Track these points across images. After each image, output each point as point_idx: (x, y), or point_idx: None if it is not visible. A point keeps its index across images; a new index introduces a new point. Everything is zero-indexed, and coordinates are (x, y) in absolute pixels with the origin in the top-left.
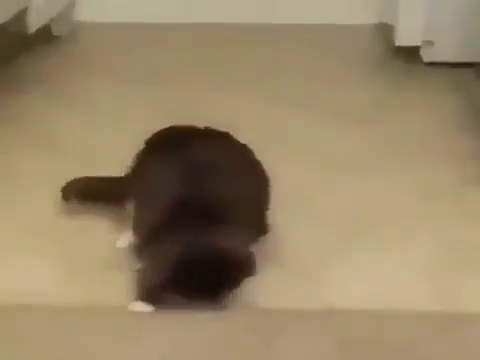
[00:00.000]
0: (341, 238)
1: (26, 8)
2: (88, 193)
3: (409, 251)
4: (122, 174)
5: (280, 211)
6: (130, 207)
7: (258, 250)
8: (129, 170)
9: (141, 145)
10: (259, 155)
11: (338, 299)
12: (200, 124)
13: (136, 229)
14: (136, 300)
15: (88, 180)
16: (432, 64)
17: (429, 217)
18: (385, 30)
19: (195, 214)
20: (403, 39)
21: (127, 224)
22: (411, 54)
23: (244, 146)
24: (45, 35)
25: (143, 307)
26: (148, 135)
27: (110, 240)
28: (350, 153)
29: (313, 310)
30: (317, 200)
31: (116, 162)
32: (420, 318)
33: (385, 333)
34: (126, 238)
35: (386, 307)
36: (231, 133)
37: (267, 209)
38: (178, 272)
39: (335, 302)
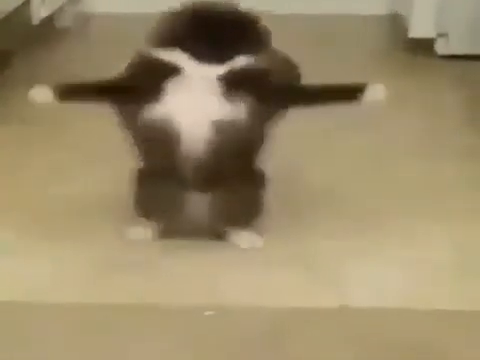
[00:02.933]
0: (355, 235)
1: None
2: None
3: (425, 248)
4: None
5: (287, 208)
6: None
7: (269, 248)
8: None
9: None
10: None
11: (352, 298)
12: None
13: None
14: None
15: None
16: (446, 57)
17: (444, 214)
18: (397, 21)
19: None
20: (416, 31)
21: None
22: (424, 46)
23: None
24: (49, 27)
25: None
26: None
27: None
28: (357, 148)
29: (326, 309)
30: (330, 193)
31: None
32: (437, 316)
33: (401, 332)
34: (140, 228)
35: (402, 306)
36: None
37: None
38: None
39: (349, 301)
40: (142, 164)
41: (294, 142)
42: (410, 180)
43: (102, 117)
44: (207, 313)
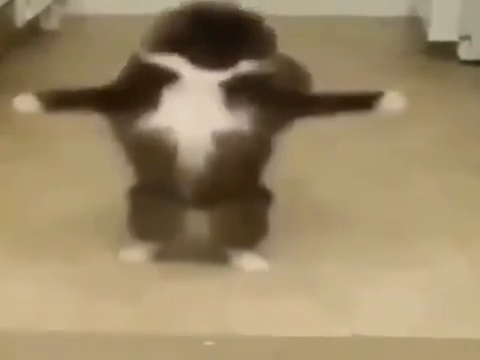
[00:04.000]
0: (366, 256)
1: (12, 0)
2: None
3: (443, 270)
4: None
5: (293, 226)
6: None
7: (274, 271)
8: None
9: None
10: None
11: (365, 326)
12: None
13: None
14: None
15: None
16: (469, 62)
17: (463, 233)
18: (416, 23)
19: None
20: (437, 33)
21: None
22: (446, 50)
23: None
24: (34, 29)
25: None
26: None
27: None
28: (368, 159)
29: (337, 338)
30: (339, 210)
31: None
32: (452, 346)
33: None
34: (134, 250)
35: (420, 334)
36: None
37: None
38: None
39: (362, 329)
40: (136, 180)
41: (298, 151)
42: (426, 195)
43: (92, 128)
44: (207, 343)
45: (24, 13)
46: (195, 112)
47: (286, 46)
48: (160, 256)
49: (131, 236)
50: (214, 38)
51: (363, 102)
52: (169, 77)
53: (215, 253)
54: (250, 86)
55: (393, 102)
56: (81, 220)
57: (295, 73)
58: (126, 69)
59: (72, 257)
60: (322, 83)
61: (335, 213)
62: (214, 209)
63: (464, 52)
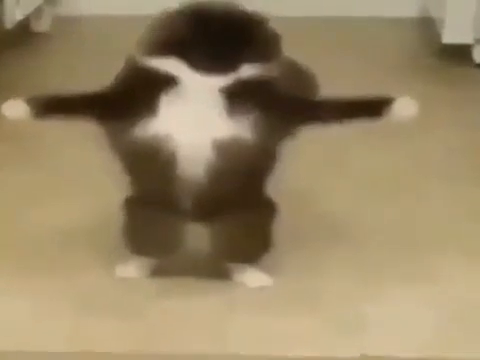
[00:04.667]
0: (375, 271)
1: (1, 0)
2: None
3: (454, 287)
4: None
5: (298, 240)
6: None
7: (278, 287)
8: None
9: None
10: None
11: (373, 345)
12: None
13: None
14: None
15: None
16: None
17: (476, 247)
18: (430, 25)
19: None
20: (451, 36)
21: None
22: (460, 53)
23: None
24: (24, 31)
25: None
26: None
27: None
28: (378, 168)
29: (344, 358)
30: (347, 223)
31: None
32: None
33: None
34: (131, 265)
35: (429, 354)
36: None
37: None
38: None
39: (370, 349)
40: (132, 191)
41: (304, 160)
42: (439, 208)
43: (85, 135)
44: None
45: (14, 14)
46: (195, 119)
47: (291, 48)
48: (158, 271)
49: (127, 251)
50: (215, 40)
51: (372, 108)
52: (167, 82)
53: (216, 268)
54: (253, 91)
55: (404, 108)
56: (74, 234)
57: (300, 77)
58: (121, 73)
59: (66, 273)
60: (329, 87)
61: (343, 226)
62: (215, 221)
63: (479, 55)
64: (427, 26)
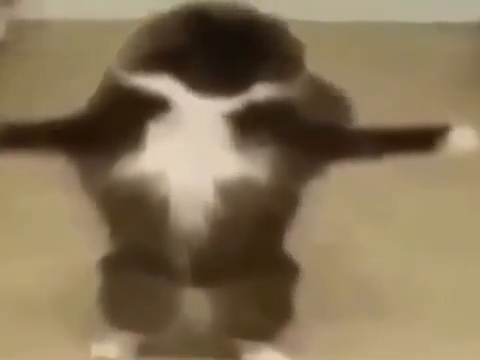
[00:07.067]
0: (422, 354)
1: None
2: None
3: None
4: None
5: (325, 311)
6: None
7: None
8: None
9: None
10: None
11: None
12: None
13: None
14: None
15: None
16: None
17: None
18: None
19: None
20: None
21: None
22: None
23: None
24: None
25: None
26: None
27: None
28: (436, 217)
29: None
30: (389, 286)
31: None
32: None
33: None
34: (109, 343)
35: None
36: None
37: None
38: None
39: None
40: (113, 247)
41: (334, 206)
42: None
43: (53, 175)
44: None
45: None
46: (193, 153)
47: (317, 63)
48: (145, 351)
49: (106, 325)
50: (219, 52)
51: (423, 140)
52: (157, 105)
53: (220, 347)
54: (268, 118)
55: (464, 140)
56: (38, 301)
57: (329, 100)
58: (98, 94)
59: (27, 354)
60: (366, 113)
61: (383, 293)
62: (219, 286)
63: None
64: None
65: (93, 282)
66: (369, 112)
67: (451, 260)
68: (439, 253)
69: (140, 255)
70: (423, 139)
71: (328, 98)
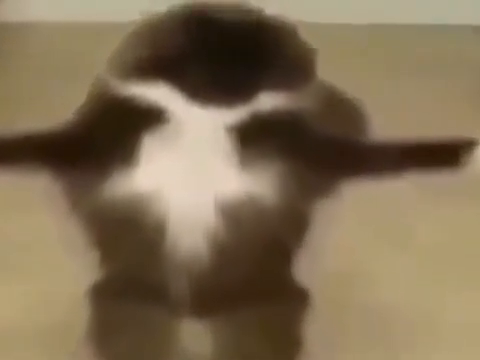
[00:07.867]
0: None
1: None
2: None
3: None
4: None
5: (342, 344)
6: None
7: None
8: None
9: None
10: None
11: None
12: None
13: None
14: None
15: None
16: None
17: None
18: None
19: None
20: None
21: None
22: None
23: None
24: None
25: None
26: None
27: None
28: (460, 244)
29: None
30: (410, 321)
31: None
32: None
33: None
34: None
35: None
36: None
37: None
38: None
39: None
40: (103, 274)
41: (348, 230)
42: None
43: (36, 194)
44: None
45: None
46: (192, 169)
47: (329, 70)
48: None
49: (93, 358)
50: (221, 58)
51: (446, 155)
52: (152, 116)
53: None
54: (275, 130)
55: None
56: (21, 333)
57: (343, 111)
58: (87, 104)
59: None
60: (383, 125)
61: (402, 324)
62: (221, 317)
63: None
64: None
65: (82, 312)
66: (387, 124)
67: (476, 287)
68: (462, 282)
69: (134, 282)
70: (447, 154)
71: (341, 108)
